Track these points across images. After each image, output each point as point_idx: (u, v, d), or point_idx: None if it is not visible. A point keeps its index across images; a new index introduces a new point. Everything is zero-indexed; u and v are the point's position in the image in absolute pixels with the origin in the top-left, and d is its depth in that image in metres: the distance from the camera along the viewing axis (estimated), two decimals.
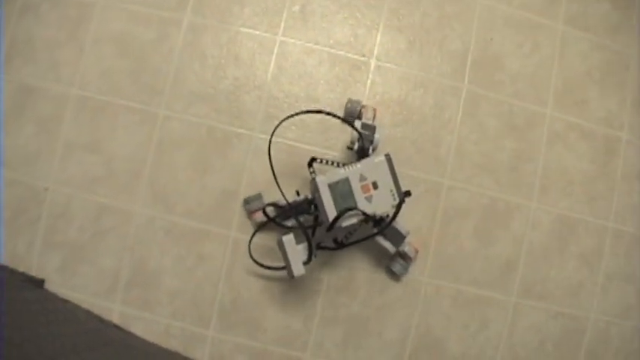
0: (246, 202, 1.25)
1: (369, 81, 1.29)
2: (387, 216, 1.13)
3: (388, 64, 1.30)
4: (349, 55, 1.30)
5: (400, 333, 1.27)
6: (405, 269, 1.24)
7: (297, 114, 1.12)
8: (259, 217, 1.24)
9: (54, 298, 1.29)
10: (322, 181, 1.05)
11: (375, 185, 1.06)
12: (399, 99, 1.30)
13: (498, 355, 1.29)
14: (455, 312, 1.28)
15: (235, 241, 1.26)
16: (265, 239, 1.26)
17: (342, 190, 1.05)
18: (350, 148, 1.15)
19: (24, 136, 1.33)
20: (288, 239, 1.07)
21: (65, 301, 1.30)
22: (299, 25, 1.31)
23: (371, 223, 1.12)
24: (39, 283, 1.31)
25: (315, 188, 1.06)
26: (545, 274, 1.31)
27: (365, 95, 1.29)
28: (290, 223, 1.21)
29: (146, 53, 1.32)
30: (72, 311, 1.27)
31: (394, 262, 1.24)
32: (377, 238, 1.18)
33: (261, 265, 1.22)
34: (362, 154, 1.14)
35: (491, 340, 1.29)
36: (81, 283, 1.29)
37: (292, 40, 1.30)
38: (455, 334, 1.28)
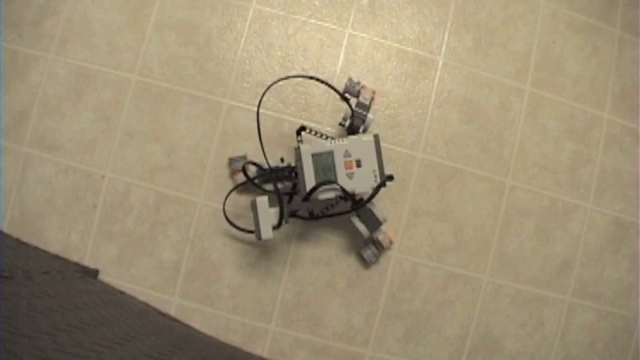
0: (231, 161, 1.19)
1: (436, 79, 1.25)
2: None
3: (455, 63, 1.26)
4: (417, 51, 1.25)
5: (460, 330, 1.23)
6: (376, 257, 1.18)
7: (289, 77, 1.05)
8: (241, 177, 1.17)
9: (111, 289, 1.21)
10: (306, 150, 1.00)
11: (358, 163, 1.01)
12: (465, 98, 1.25)
13: (552, 354, 1.26)
14: (513, 310, 1.24)
15: (299, 234, 1.20)
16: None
17: (324, 163, 1.00)
18: (342, 125, 1.09)
19: (81, 122, 1.25)
20: (262, 201, 1.00)
21: (121, 293, 1.22)
22: (368, 19, 1.25)
23: (350, 202, 1.07)
24: (93, 273, 1.23)
25: (298, 156, 1.01)
26: (599, 275, 1.29)
27: (432, 92, 1.24)
28: (269, 187, 1.15)
29: (211, 41, 1.24)
30: (132, 303, 1.19)
31: (366, 247, 1.18)
32: (352, 219, 1.11)
33: (232, 225, 1.16)
34: (352, 131, 1.08)
35: (547, 338, 1.26)
36: (138, 275, 1.21)
37: (361, 34, 1.24)
38: (512, 332, 1.24)
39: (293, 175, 1.11)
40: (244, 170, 1.12)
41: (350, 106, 1.06)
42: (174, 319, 1.20)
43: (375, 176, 1.01)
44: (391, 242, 1.16)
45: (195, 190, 1.21)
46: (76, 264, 1.23)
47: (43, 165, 1.25)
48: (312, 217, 1.14)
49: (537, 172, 1.26)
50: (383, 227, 1.13)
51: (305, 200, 1.01)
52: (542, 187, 1.26)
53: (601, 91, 1.31)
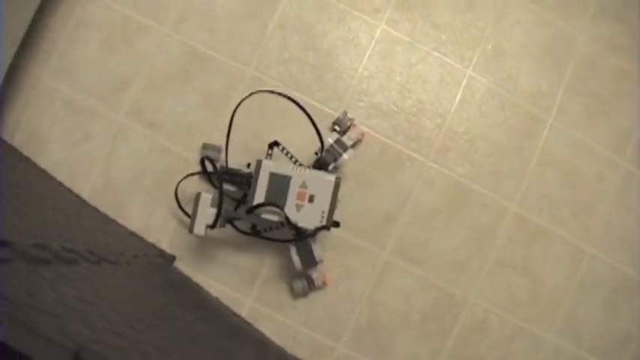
0: (204, 147, 1.17)
1: (543, 137, 1.24)
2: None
3: (563, 125, 1.26)
4: (530, 107, 1.24)
5: None
6: (304, 293, 1.16)
7: (265, 91, 1.06)
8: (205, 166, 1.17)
9: (188, 279, 1.18)
10: (266, 166, 0.98)
11: (311, 198, 0.99)
12: (565, 161, 1.25)
13: None
14: None
15: (387, 263, 1.19)
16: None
17: (278, 185, 0.98)
18: (316, 154, 1.07)
19: (186, 104, 1.20)
20: (205, 198, 0.99)
21: (198, 286, 1.18)
22: (490, 64, 1.24)
23: (294, 231, 1.04)
24: (170, 259, 1.19)
25: (257, 168, 0.99)
26: None
27: (537, 150, 1.24)
28: (224, 186, 1.12)
29: (333, 52, 1.21)
30: (207, 297, 1.16)
31: (298, 280, 1.14)
32: (290, 249, 1.07)
33: (179, 204, 1.15)
34: (320, 165, 1.05)
35: None
36: (215, 270, 1.18)
37: (480, 78, 1.23)
38: None
39: (247, 184, 1.08)
40: (203, 162, 1.09)
41: (321, 140, 1.03)
42: (246, 322, 1.17)
43: (322, 217, 0.99)
44: (325, 283, 1.14)
45: None
46: (154, 246, 1.19)
47: (138, 139, 1.20)
48: (253, 232, 1.11)
49: (617, 246, 1.27)
50: (320, 266, 1.11)
51: (248, 213, 0.99)
52: (619, 262, 1.27)
53: None
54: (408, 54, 1.22)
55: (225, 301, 1.17)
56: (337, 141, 1.07)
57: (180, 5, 1.22)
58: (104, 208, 1.19)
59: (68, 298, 0.63)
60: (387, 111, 1.20)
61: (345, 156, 1.06)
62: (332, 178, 0.98)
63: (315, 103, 1.19)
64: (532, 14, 1.26)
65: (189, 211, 1.15)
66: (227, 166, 1.09)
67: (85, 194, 1.19)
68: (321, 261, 1.08)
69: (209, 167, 1.16)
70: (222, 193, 0.96)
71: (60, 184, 1.20)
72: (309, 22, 1.21)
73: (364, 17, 1.21)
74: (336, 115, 1.19)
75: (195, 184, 1.18)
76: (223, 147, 1.16)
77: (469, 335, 1.21)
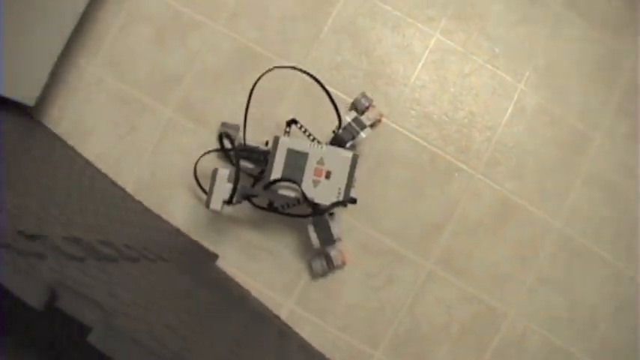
0: (223, 125, 1.15)
1: (590, 156, 1.21)
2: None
3: (609, 145, 1.22)
4: (577, 126, 1.21)
5: None
6: (324, 273, 1.13)
7: (285, 67, 1.03)
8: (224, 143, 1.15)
9: (228, 279, 1.15)
10: (284, 143, 0.97)
11: (328, 175, 0.97)
12: (611, 181, 1.22)
13: None
14: None
15: (430, 273, 1.15)
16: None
17: (296, 161, 0.96)
18: (334, 132, 1.06)
19: (236, 102, 1.17)
20: (223, 173, 0.97)
21: (239, 286, 1.15)
22: (542, 80, 1.20)
23: (310, 208, 1.02)
24: (213, 257, 1.16)
25: (274, 145, 0.97)
26: None
27: (584, 168, 1.21)
28: (242, 163, 1.11)
29: (387, 59, 1.18)
30: (248, 297, 1.13)
31: (317, 259, 1.11)
32: (308, 227, 1.05)
33: (197, 182, 1.14)
34: (338, 142, 1.04)
35: None
36: (257, 270, 1.15)
37: (531, 93, 1.20)
38: None
39: (264, 161, 1.07)
40: (220, 139, 1.08)
41: (339, 115, 1.03)
42: (285, 324, 1.14)
43: (339, 193, 0.97)
44: (344, 263, 1.12)
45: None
46: (197, 243, 1.16)
47: (186, 135, 1.17)
48: (270, 208, 1.09)
49: None
50: (339, 245, 1.09)
51: (265, 189, 0.97)
52: None
53: None
54: (462, 65, 1.18)
55: (265, 302, 1.14)
56: (355, 119, 1.05)
57: (233, 3, 1.19)
58: (148, 202, 1.16)
59: (142, 299, 0.60)
60: (438, 121, 1.17)
61: (362, 134, 1.04)
62: (349, 154, 0.96)
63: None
64: (583, 32, 1.23)
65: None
66: (245, 143, 1.07)
67: (129, 188, 1.16)
68: (339, 239, 1.06)
69: (227, 144, 1.13)
70: (238, 168, 0.94)
71: (105, 176, 1.17)
72: (364, 27, 1.18)
73: (419, 25, 1.18)
74: (387, 122, 1.16)
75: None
76: (241, 126, 1.14)
77: (506, 350, 1.18)
